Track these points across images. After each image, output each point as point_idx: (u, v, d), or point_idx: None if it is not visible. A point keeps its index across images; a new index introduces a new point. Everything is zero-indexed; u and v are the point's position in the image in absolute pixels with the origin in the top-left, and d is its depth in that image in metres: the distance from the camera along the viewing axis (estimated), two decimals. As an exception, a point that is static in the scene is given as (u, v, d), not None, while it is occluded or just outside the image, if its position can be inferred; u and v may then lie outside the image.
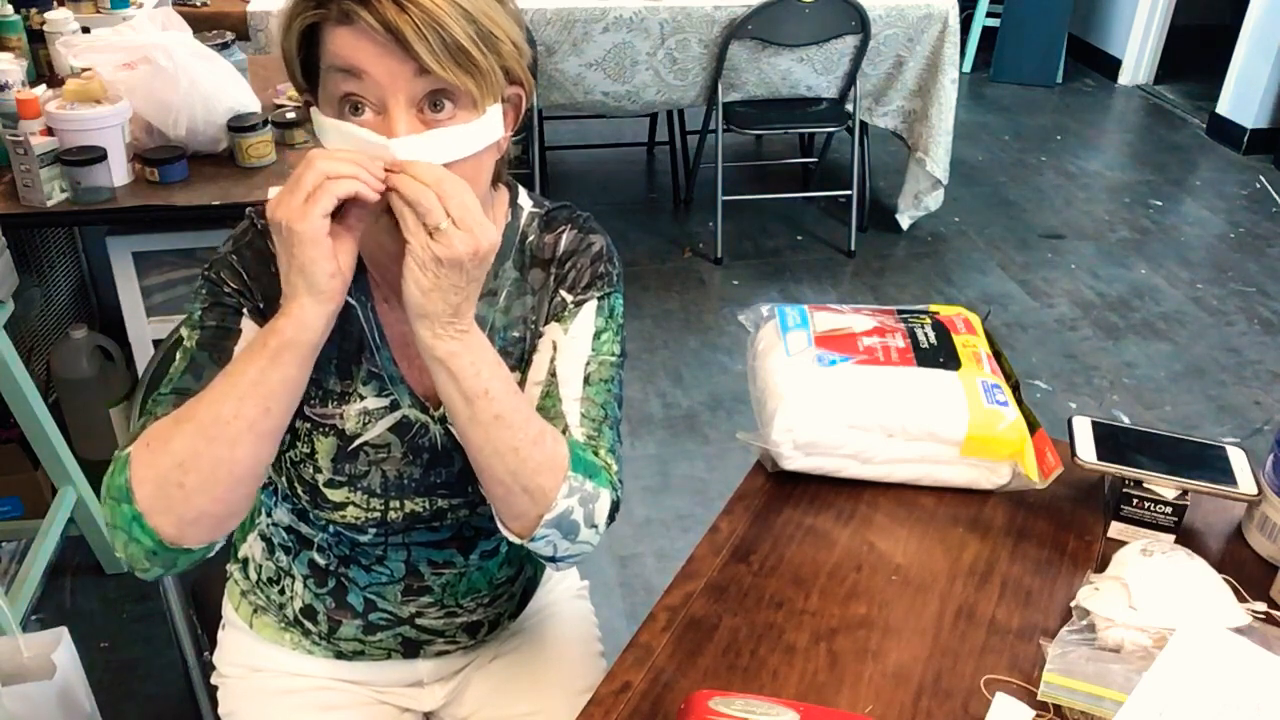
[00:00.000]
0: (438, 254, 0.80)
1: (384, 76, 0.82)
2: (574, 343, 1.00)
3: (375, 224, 0.87)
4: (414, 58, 0.81)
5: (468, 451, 0.90)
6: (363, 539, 1.06)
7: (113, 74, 1.89)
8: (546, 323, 1.02)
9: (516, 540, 0.94)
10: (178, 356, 0.95)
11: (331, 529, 1.06)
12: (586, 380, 0.98)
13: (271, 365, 0.83)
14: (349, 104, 0.84)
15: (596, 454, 0.97)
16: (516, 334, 1.02)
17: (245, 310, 0.95)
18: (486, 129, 0.87)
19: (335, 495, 1.00)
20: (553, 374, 0.98)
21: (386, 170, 0.80)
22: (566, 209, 1.06)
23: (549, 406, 0.97)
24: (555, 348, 0.99)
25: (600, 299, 1.02)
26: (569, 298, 1.01)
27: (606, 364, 1.00)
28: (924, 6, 3.33)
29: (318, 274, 0.81)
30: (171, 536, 0.85)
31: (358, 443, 1.00)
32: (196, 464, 0.83)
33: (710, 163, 3.64)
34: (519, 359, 1.02)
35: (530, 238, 1.04)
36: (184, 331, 0.96)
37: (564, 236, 1.04)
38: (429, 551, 1.08)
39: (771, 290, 3.42)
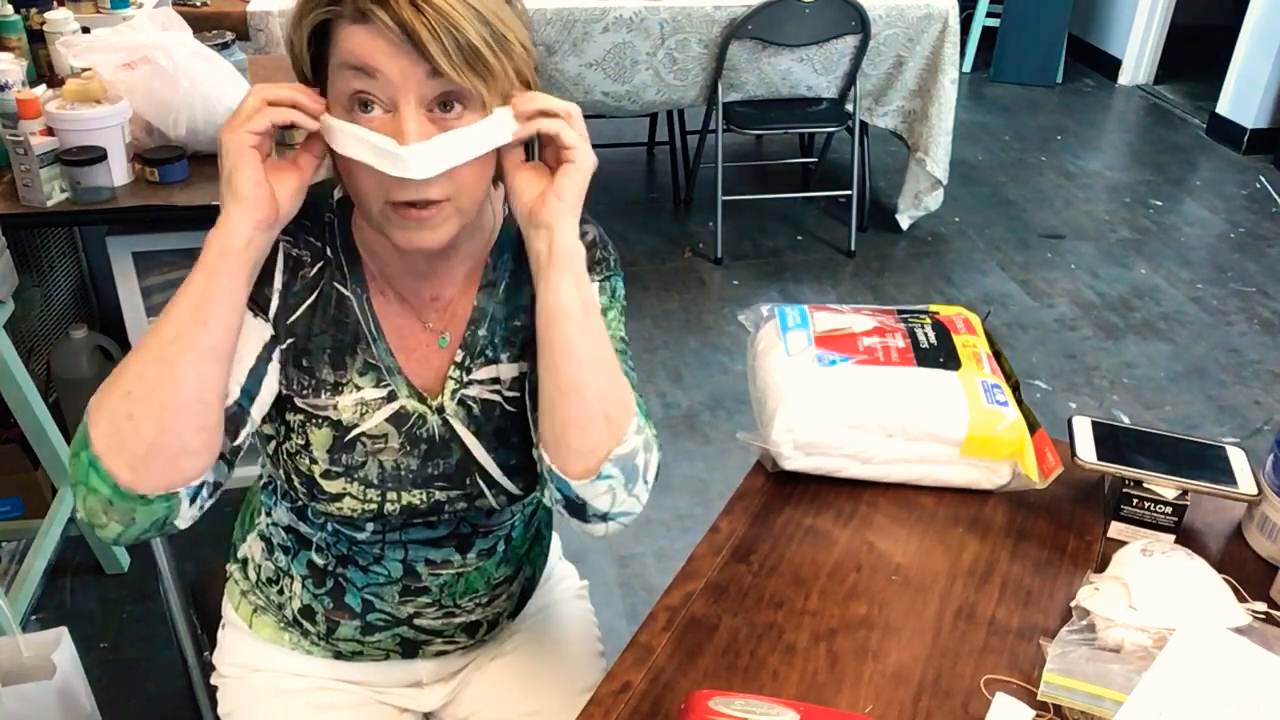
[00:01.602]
0: (589, 150, 0.88)
1: (396, 76, 0.82)
2: None
3: (379, 214, 0.88)
4: (428, 59, 0.81)
5: (565, 370, 0.90)
6: (360, 536, 1.06)
7: (113, 74, 1.89)
8: None
9: (578, 483, 0.92)
10: None
11: (330, 526, 1.06)
12: None
13: (207, 279, 0.85)
14: (358, 101, 0.84)
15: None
16: (518, 323, 1.03)
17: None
18: (497, 129, 0.87)
19: (331, 486, 1.00)
20: None
21: (528, 112, 0.87)
22: None
23: None
24: None
25: (602, 281, 1.03)
26: None
27: (617, 339, 1.01)
28: (924, 6, 3.33)
29: (241, 181, 0.84)
30: (126, 480, 0.84)
31: (355, 433, 1.00)
32: (141, 388, 0.84)
33: (710, 163, 3.64)
34: (521, 348, 1.03)
35: None
36: None
37: None
38: (426, 550, 1.08)
39: (771, 290, 3.42)
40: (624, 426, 0.92)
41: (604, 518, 0.95)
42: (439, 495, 1.03)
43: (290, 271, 0.97)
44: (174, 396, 0.84)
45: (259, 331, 0.95)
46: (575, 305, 0.89)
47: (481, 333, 1.02)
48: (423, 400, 1.01)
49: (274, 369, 0.97)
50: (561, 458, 0.92)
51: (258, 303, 0.96)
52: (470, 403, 1.02)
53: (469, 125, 0.85)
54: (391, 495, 1.02)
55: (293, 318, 0.97)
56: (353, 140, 0.84)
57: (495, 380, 1.02)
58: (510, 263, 1.03)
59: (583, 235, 1.03)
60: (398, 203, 0.86)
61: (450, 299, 1.02)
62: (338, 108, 0.86)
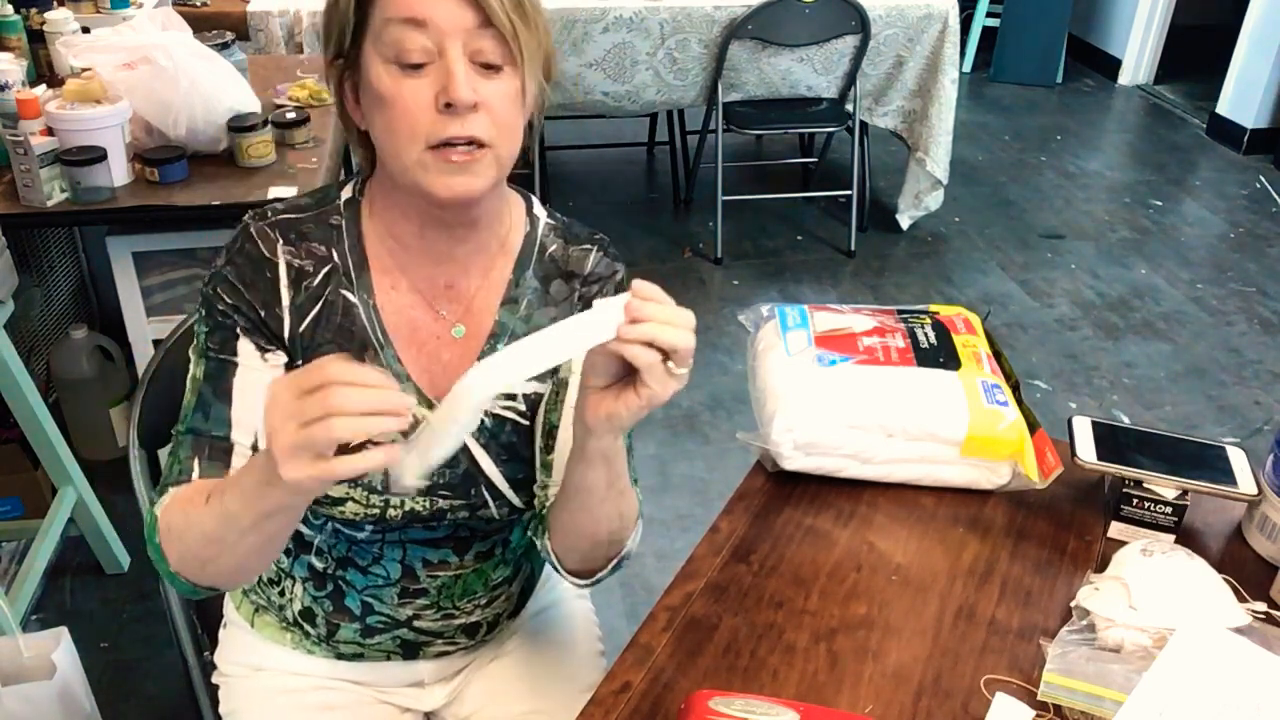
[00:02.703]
0: (673, 390, 0.81)
1: (445, 23, 0.84)
2: None
3: (416, 162, 0.88)
4: (481, 6, 0.83)
5: (583, 516, 0.96)
6: (360, 535, 1.06)
7: (113, 74, 1.89)
8: None
9: (577, 583, 1.04)
10: (188, 388, 0.97)
11: (330, 527, 1.06)
12: None
13: (266, 519, 0.82)
14: (406, 63, 0.85)
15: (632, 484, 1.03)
16: None
17: (240, 329, 0.96)
18: (595, 329, 0.79)
19: (335, 490, 1.00)
20: None
21: (632, 320, 0.78)
22: (583, 226, 1.08)
23: None
24: None
25: None
26: None
27: None
28: (924, 6, 3.33)
29: (310, 491, 0.79)
30: (206, 585, 0.92)
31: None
32: (213, 561, 0.89)
33: (710, 163, 3.64)
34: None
35: (551, 248, 1.05)
36: (192, 358, 0.98)
37: (591, 256, 1.06)
38: (424, 550, 1.08)
39: (771, 290, 3.42)
40: (624, 542, 1.00)
41: (593, 582, 1.05)
42: (442, 503, 1.03)
43: (294, 285, 0.97)
44: (245, 567, 0.92)
45: (273, 374, 0.96)
46: (602, 486, 0.92)
47: (500, 347, 1.02)
48: (432, 408, 1.01)
49: None
50: (564, 557, 1.02)
51: (269, 329, 0.96)
52: (482, 416, 1.02)
53: (561, 323, 0.78)
54: (395, 501, 1.02)
55: (300, 328, 0.98)
56: (461, 428, 0.77)
57: (510, 397, 1.03)
58: (533, 281, 1.04)
59: (614, 273, 1.07)
60: (438, 145, 0.86)
61: (464, 289, 1.02)
62: (377, 67, 0.87)
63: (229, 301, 0.95)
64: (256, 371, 0.96)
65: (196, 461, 0.94)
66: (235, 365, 0.95)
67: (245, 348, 0.95)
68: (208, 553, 0.87)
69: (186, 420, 0.96)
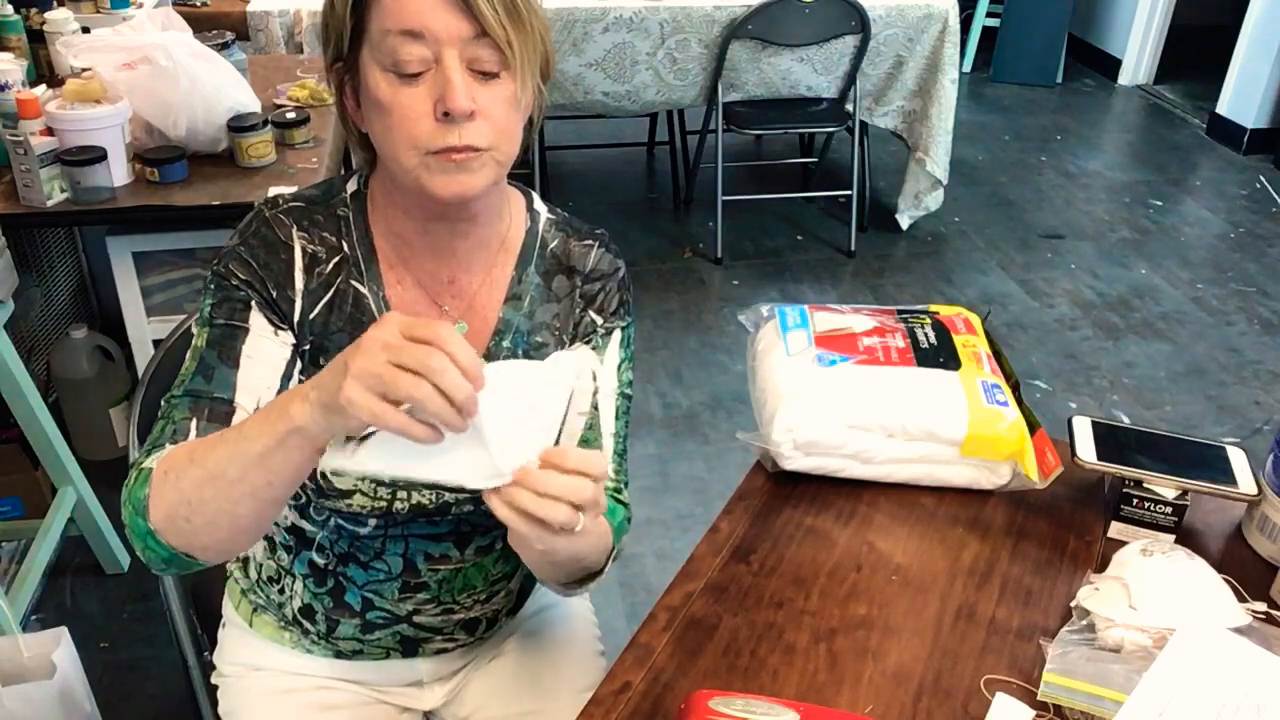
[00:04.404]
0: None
1: (442, 32, 0.85)
2: (608, 375, 1.05)
3: (417, 165, 0.88)
4: (475, 12, 0.84)
5: (560, 574, 0.98)
6: (363, 531, 1.06)
7: (113, 74, 1.89)
8: (574, 340, 1.05)
9: (565, 594, 1.04)
10: (188, 356, 0.96)
11: (333, 522, 1.06)
12: (615, 414, 1.05)
13: (279, 447, 0.80)
14: (404, 73, 0.86)
15: (619, 493, 1.04)
16: (540, 339, 1.04)
17: (254, 302, 0.96)
18: (564, 367, 0.82)
19: (342, 483, 1.00)
20: (595, 406, 1.03)
21: (514, 484, 0.76)
22: (583, 222, 1.09)
23: (591, 440, 1.02)
24: (595, 378, 1.04)
25: (624, 329, 1.06)
26: (598, 320, 1.05)
27: (624, 395, 1.06)
28: (924, 6, 3.33)
29: (353, 420, 0.76)
30: (183, 553, 0.87)
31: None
32: (201, 508, 0.84)
33: (710, 163, 3.64)
34: None
35: (552, 244, 1.06)
36: (195, 329, 0.97)
37: (593, 252, 1.07)
38: (426, 544, 1.08)
39: (771, 290, 3.42)
40: (600, 564, 0.99)
41: (571, 595, 1.06)
42: (448, 497, 1.03)
43: (308, 270, 0.97)
44: (232, 524, 0.85)
45: (280, 351, 0.96)
46: (576, 563, 0.94)
47: (505, 344, 1.03)
48: None
49: (295, 381, 0.98)
50: (543, 579, 1.03)
51: (280, 310, 0.96)
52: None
53: (534, 362, 0.80)
54: (401, 494, 1.02)
55: (311, 315, 0.98)
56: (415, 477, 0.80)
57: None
58: (535, 277, 1.05)
59: (616, 269, 1.08)
60: (438, 150, 0.87)
61: (465, 285, 1.02)
62: (374, 74, 0.88)
63: (242, 277, 0.96)
64: (267, 341, 0.95)
65: (194, 422, 0.92)
66: (245, 331, 0.95)
67: (257, 319, 0.96)
68: (201, 494, 0.83)
69: (184, 384, 0.94)
